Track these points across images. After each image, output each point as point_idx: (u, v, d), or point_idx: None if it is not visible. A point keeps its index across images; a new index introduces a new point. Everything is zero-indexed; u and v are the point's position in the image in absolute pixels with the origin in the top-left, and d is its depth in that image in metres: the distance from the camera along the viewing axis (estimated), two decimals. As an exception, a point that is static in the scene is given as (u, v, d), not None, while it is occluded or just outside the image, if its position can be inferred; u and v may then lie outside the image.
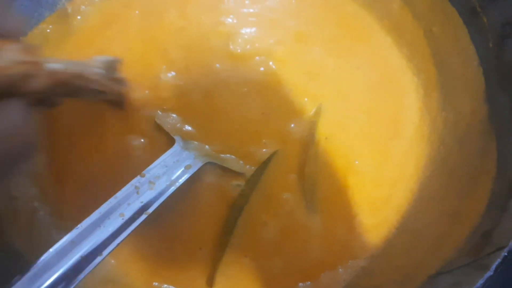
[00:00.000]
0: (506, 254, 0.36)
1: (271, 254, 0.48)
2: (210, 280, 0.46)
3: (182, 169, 0.46)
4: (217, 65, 0.53)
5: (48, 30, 0.53)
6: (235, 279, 0.47)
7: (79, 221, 0.39)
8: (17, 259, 0.43)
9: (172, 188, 0.44)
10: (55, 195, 0.49)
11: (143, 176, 0.44)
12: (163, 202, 0.43)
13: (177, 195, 0.44)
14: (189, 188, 0.48)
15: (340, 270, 0.47)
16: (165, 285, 0.47)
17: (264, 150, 0.50)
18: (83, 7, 0.55)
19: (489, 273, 0.35)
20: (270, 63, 0.54)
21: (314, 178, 0.50)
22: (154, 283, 0.47)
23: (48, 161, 0.50)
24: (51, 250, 0.37)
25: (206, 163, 0.48)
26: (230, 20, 0.56)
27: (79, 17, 0.55)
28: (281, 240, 0.48)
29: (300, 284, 0.47)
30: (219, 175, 0.49)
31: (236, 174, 0.49)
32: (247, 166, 0.50)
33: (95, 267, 0.37)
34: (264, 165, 0.50)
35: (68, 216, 0.49)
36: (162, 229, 0.48)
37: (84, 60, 0.42)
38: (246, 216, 0.48)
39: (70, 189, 0.49)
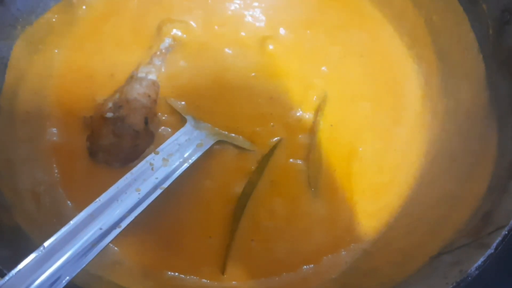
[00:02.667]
0: (506, 232, 0.36)
1: (276, 238, 0.48)
2: (222, 267, 0.47)
3: (194, 147, 0.47)
4: (227, 50, 0.54)
5: (54, 20, 0.53)
6: (242, 263, 0.48)
7: (85, 205, 0.39)
8: (25, 243, 0.44)
9: (185, 165, 0.45)
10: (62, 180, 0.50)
11: (157, 153, 0.45)
12: (177, 178, 0.44)
13: (185, 186, 0.45)
14: (198, 178, 0.49)
15: (343, 253, 0.48)
16: (176, 274, 0.48)
17: (271, 133, 0.51)
18: (88, -4, 0.56)
19: (490, 251, 0.36)
20: (278, 49, 0.55)
21: (319, 165, 0.51)
22: (168, 273, 0.48)
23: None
24: (71, 222, 0.37)
25: (216, 142, 0.49)
26: (237, 6, 0.57)
27: (84, 7, 0.56)
28: (286, 224, 0.49)
29: (304, 267, 0.48)
30: (228, 164, 0.50)
31: (246, 151, 0.50)
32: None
33: (113, 239, 0.38)
34: (270, 152, 0.50)
35: (74, 200, 0.50)
36: (171, 220, 0.48)
37: None
38: (253, 202, 0.49)
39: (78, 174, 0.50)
